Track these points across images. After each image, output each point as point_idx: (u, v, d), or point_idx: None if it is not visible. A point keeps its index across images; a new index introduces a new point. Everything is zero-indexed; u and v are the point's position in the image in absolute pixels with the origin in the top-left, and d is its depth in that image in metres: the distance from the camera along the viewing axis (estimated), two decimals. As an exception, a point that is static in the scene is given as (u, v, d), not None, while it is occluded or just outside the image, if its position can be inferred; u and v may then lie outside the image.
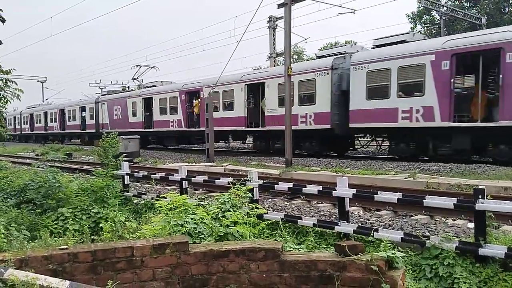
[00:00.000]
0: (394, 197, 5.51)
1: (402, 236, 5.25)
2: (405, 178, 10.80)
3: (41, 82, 57.39)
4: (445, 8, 37.26)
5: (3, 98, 9.96)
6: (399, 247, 5.20)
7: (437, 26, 42.42)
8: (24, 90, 10.29)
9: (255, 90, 21.66)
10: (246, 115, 21.58)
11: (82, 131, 37.57)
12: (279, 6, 16.04)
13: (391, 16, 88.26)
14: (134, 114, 29.97)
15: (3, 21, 9.67)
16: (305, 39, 25.47)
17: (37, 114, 46.41)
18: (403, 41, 16.17)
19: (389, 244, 4.14)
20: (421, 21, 45.46)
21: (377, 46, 16.81)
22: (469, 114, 14.09)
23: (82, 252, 3.70)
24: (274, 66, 28.39)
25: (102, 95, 37.79)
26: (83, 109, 37.31)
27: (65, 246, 3.82)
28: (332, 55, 18.19)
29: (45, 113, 44.24)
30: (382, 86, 15.56)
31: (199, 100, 23.55)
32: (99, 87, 48.96)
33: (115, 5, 54.04)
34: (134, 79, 34.08)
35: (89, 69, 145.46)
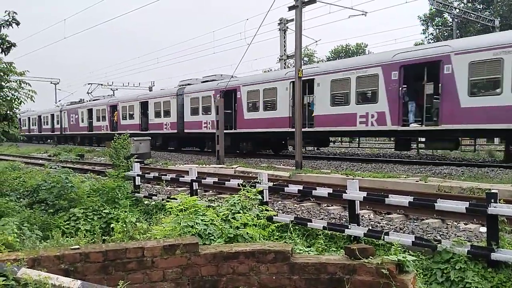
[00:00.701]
0: (405, 200, 5.47)
1: (413, 240, 5.20)
2: (417, 181, 10.70)
3: (54, 84, 58.10)
4: (457, 10, 36.91)
5: (17, 99, 10.06)
6: (410, 251, 5.17)
7: (449, 28, 42.04)
8: (37, 91, 10.43)
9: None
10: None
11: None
12: (290, 8, 16.04)
13: (403, 18, 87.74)
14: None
15: (18, 24, 9.81)
16: (316, 41, 25.48)
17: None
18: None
19: (399, 248, 4.11)
20: (433, 23, 45.11)
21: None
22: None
23: (94, 252, 3.73)
24: (285, 67, 28.33)
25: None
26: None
27: (77, 246, 3.85)
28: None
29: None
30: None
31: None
32: (110, 89, 49.56)
33: (125, 8, 54.44)
34: (89, 93, 44.45)
35: (101, 71, 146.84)
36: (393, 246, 4.16)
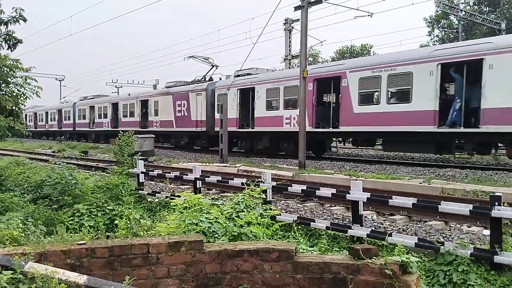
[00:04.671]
0: (408, 202, 5.48)
1: (416, 241, 5.22)
2: (420, 183, 10.71)
3: (59, 80, 58.33)
4: (463, 12, 36.78)
5: (22, 95, 10.14)
6: (412, 252, 5.19)
7: (455, 30, 41.90)
8: (42, 87, 10.49)
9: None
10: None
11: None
12: (296, 8, 16.05)
13: (409, 20, 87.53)
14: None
15: (25, 20, 9.88)
16: (321, 42, 25.44)
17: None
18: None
19: (403, 249, 4.13)
20: (439, 25, 44.97)
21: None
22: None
23: (100, 248, 3.77)
24: (289, 67, 28.28)
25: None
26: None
27: (83, 242, 3.90)
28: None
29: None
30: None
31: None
32: (115, 86, 49.65)
33: (130, 6, 54.58)
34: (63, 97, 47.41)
35: (108, 68, 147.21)
36: (396, 247, 4.18)
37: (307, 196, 9.01)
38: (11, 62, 9.70)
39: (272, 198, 7.36)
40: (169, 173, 9.90)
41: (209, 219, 5.04)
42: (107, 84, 56.21)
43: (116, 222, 6.38)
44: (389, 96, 15.92)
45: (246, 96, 22.29)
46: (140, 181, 9.53)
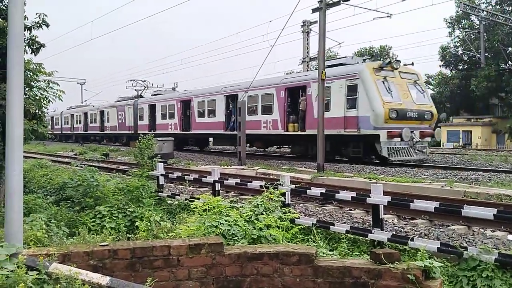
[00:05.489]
0: (430, 205, 5.39)
1: (439, 246, 5.12)
2: (442, 186, 10.51)
3: (80, 84, 59.44)
4: (485, 12, 36.05)
5: (45, 99, 10.35)
6: (435, 257, 5.10)
7: (477, 31, 41.15)
8: (64, 91, 10.73)
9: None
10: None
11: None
12: (314, 10, 16.02)
13: (429, 21, 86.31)
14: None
15: (47, 25, 10.08)
16: (339, 44, 25.27)
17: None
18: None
19: (425, 254, 4.06)
20: (460, 26, 44.20)
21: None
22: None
23: (122, 249, 3.82)
24: (307, 69, 28.23)
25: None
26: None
27: (105, 243, 3.95)
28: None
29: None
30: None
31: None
32: (135, 90, 50.38)
33: (151, 10, 55.29)
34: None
35: (127, 71, 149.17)
36: (419, 252, 4.11)
37: (326, 199, 8.95)
38: (34, 66, 9.92)
39: (291, 201, 7.34)
40: (188, 175, 9.97)
41: (229, 222, 5.05)
42: (127, 87, 56.99)
43: (136, 224, 6.44)
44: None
45: (153, 109, 33.09)
46: (160, 183, 9.63)
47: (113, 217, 7.12)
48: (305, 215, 7.47)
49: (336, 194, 6.59)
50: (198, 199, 7.18)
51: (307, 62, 29.03)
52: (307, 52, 28.91)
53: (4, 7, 8.77)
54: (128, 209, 7.27)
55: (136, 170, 10.34)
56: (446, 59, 44.43)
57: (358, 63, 18.64)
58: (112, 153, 27.02)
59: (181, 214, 7.54)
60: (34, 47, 10.29)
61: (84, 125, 46.18)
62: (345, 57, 20.14)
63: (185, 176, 9.76)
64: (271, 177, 13.50)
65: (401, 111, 16.94)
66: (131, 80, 40.84)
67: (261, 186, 7.09)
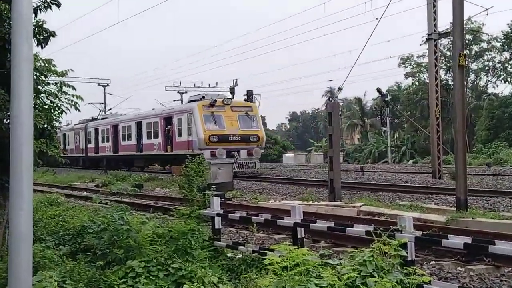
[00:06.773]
0: None
1: None
2: None
3: (102, 86, 62.91)
4: None
5: (57, 108, 10.28)
6: None
7: None
8: (83, 96, 10.73)
9: None
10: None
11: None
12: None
13: None
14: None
15: (58, 5, 10.28)
16: (486, 10, 24.50)
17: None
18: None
19: None
20: None
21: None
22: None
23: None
24: (435, 51, 27.65)
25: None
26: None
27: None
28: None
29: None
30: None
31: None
32: (178, 92, 52.69)
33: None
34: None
35: (166, 69, 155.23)
36: None
37: (474, 254, 8.63)
38: (42, 64, 9.89)
39: (417, 256, 7.14)
40: (257, 215, 10.02)
41: (322, 286, 5.00)
42: (166, 89, 59.85)
43: (185, 287, 6.57)
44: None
45: (96, 132, 52.42)
46: (216, 227, 9.78)
47: (152, 277, 7.31)
48: (439, 279, 7.22)
49: (489, 246, 6.30)
50: (273, 251, 7.19)
51: (435, 39, 28.27)
52: (435, 25, 28.22)
53: None
54: (172, 265, 7.44)
55: (182, 208, 10.60)
56: None
57: (218, 95, 37.63)
58: (147, 184, 28.08)
59: (248, 274, 7.58)
60: (41, 37, 10.42)
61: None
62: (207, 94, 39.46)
63: (252, 217, 9.83)
64: (382, 218, 13.25)
65: (222, 136, 33.55)
66: (89, 103, 58.74)
67: (368, 233, 6.95)
